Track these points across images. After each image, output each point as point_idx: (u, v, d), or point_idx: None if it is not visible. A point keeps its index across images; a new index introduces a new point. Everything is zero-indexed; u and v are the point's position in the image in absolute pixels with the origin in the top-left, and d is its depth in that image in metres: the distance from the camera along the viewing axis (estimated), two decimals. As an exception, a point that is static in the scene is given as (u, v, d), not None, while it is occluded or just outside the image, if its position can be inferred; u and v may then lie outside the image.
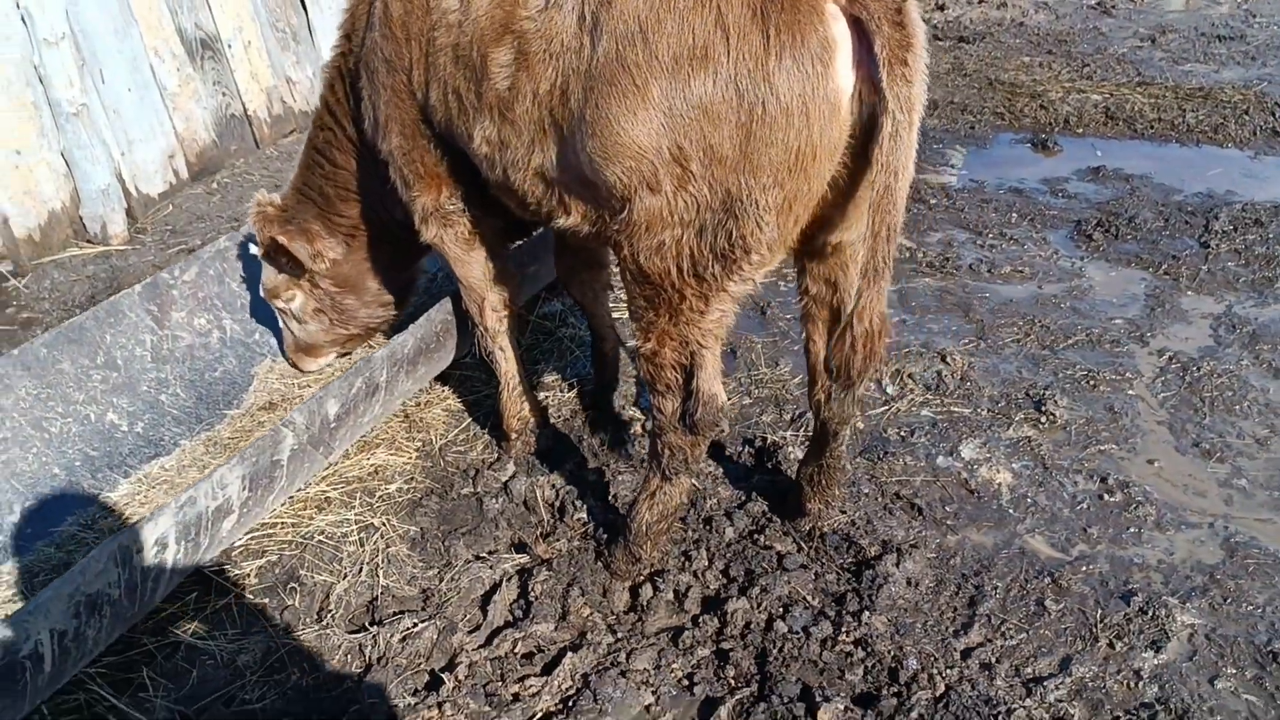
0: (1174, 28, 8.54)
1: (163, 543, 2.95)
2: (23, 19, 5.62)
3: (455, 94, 3.16)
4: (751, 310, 5.21)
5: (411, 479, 4.09)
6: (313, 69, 7.77)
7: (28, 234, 5.85)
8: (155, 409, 4.31)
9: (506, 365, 4.03)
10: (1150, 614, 3.28)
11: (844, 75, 2.41)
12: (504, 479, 4.06)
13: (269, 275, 4.32)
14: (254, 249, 4.31)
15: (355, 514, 3.87)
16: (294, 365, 4.67)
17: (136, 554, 2.87)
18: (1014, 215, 6.04)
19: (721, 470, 4.07)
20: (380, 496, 3.98)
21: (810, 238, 2.81)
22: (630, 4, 2.53)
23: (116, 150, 6.24)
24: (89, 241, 6.10)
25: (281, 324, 4.56)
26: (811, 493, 3.62)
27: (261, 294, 4.40)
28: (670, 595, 3.50)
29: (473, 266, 3.80)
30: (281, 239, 4.07)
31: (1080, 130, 6.99)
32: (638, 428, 4.33)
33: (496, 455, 4.23)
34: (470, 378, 4.69)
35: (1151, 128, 6.91)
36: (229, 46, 7.06)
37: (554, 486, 4.01)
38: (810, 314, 3.22)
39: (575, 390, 4.60)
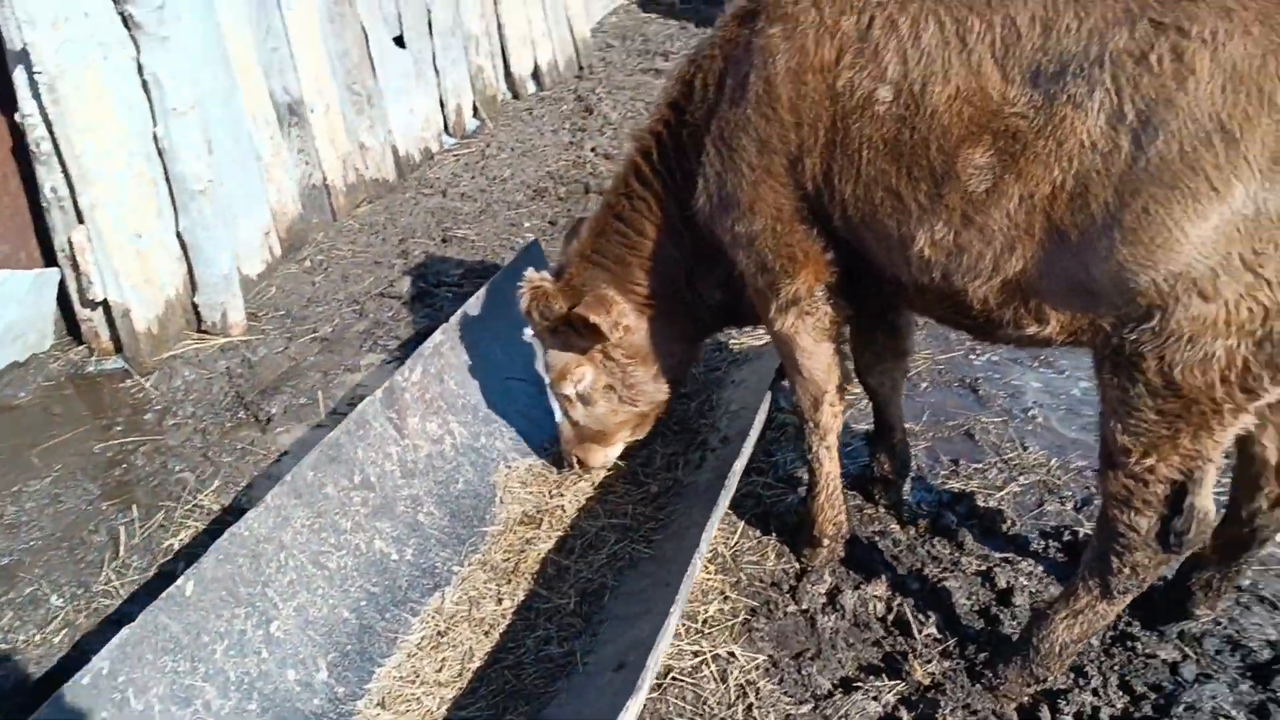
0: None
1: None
2: (145, 86, 5.04)
3: (889, 192, 2.89)
4: (960, 388, 5.04)
5: (724, 595, 3.74)
6: (384, 134, 7.29)
7: (147, 327, 5.21)
8: (417, 531, 3.83)
9: (830, 465, 3.74)
10: None
11: None
12: (823, 591, 3.76)
13: (556, 357, 3.99)
14: (528, 333, 4.05)
15: (688, 643, 3.49)
16: (580, 462, 4.20)
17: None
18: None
19: (1041, 568, 3.85)
20: (704, 620, 3.62)
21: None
22: (1204, 102, 2.33)
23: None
24: (205, 332, 5.49)
25: (560, 416, 4.18)
26: (1203, 598, 3.44)
27: (548, 379, 4.05)
28: (1070, 717, 3.26)
29: (820, 359, 3.52)
30: (582, 311, 3.76)
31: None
32: (923, 524, 4.09)
33: (798, 564, 3.91)
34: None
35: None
36: (311, 111, 6.55)
37: (880, 598, 3.72)
38: (1262, 416, 3.04)
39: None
